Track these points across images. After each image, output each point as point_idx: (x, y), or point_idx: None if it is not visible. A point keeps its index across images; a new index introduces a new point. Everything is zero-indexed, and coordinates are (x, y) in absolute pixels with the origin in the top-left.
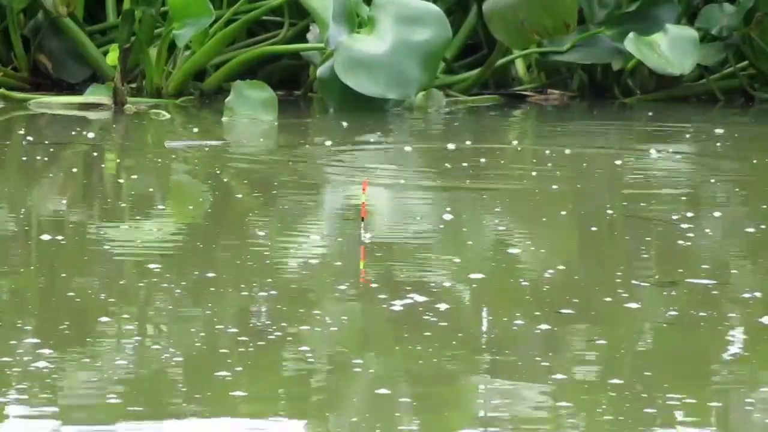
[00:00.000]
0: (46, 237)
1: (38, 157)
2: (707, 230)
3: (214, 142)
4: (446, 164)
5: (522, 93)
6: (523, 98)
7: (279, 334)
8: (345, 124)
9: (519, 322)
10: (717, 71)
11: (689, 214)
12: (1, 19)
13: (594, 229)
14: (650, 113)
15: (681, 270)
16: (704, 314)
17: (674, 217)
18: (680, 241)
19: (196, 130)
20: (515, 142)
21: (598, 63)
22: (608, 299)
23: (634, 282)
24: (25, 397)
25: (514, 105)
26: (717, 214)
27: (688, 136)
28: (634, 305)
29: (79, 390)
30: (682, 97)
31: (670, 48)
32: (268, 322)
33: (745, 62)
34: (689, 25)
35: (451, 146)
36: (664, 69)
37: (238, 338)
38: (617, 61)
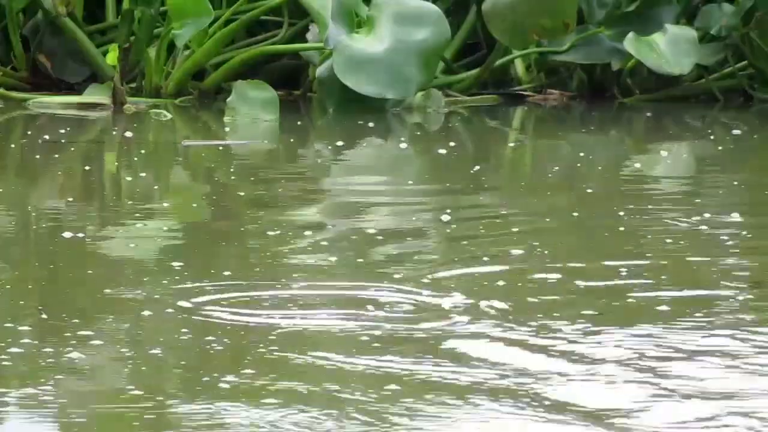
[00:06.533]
0: (67, 234)
1: (55, 155)
2: (735, 231)
3: (227, 142)
4: (445, 164)
5: (521, 93)
6: (522, 98)
7: (318, 334)
8: (344, 123)
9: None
10: (716, 71)
11: (705, 215)
12: (1, 18)
13: (621, 229)
14: (649, 113)
15: (719, 271)
16: (757, 318)
17: (694, 219)
18: (711, 244)
19: (226, 129)
20: (515, 142)
21: (598, 63)
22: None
23: (668, 283)
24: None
25: (513, 105)
26: (735, 215)
27: (688, 135)
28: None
29: (107, 380)
30: (682, 97)
31: (669, 48)
32: (303, 322)
33: (745, 62)
34: (688, 25)
35: (450, 146)
36: (663, 69)
37: (268, 338)
38: (616, 61)
